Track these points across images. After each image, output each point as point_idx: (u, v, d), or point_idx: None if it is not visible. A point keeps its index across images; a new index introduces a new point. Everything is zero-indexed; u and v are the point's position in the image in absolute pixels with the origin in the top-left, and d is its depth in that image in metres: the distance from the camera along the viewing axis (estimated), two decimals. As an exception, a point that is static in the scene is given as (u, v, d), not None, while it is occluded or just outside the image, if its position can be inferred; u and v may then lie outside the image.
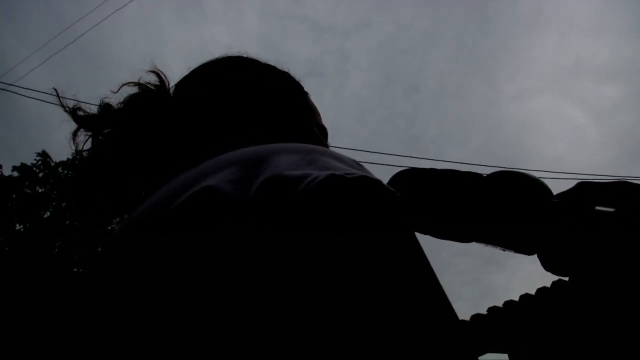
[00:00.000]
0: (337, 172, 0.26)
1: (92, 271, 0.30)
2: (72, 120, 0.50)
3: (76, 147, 0.50)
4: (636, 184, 0.34)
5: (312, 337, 0.21)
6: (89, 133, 0.51)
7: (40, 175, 8.36)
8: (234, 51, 0.57)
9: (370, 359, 0.21)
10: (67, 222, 8.01)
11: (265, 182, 0.26)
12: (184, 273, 0.24)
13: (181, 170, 0.33)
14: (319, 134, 0.55)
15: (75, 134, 0.51)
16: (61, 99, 0.50)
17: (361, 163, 0.33)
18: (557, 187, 0.37)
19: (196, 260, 0.25)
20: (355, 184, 0.26)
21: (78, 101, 0.52)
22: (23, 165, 8.24)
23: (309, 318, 0.22)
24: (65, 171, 8.50)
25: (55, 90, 0.51)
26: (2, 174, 8.17)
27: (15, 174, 8.18)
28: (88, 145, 0.51)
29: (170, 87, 0.54)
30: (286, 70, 0.58)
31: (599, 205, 0.34)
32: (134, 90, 0.52)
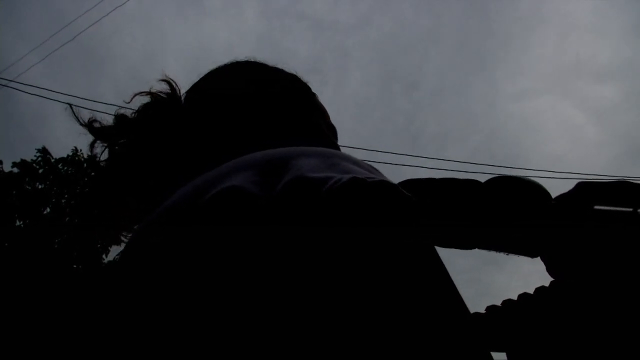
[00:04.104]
0: (358, 176, 0.27)
1: (116, 267, 0.30)
2: (88, 133, 0.52)
3: (95, 156, 0.52)
4: (635, 184, 0.34)
5: (338, 324, 0.22)
6: (105, 144, 0.52)
7: (40, 171, 8.35)
8: (241, 56, 0.58)
9: (389, 348, 0.22)
10: (67, 218, 8.02)
11: (289, 183, 0.27)
12: (208, 267, 0.25)
13: (198, 173, 0.34)
14: (329, 134, 0.56)
15: (92, 145, 0.52)
16: (75, 114, 0.52)
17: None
18: (556, 187, 0.37)
19: (221, 255, 0.25)
20: (375, 188, 0.27)
21: (87, 108, 0.53)
22: (23, 161, 8.24)
23: (334, 309, 0.23)
24: (65, 168, 8.51)
25: (70, 106, 0.52)
26: (3, 170, 8.17)
27: (15, 170, 8.18)
28: (105, 154, 0.52)
29: (182, 94, 0.56)
30: (294, 72, 0.59)
31: (598, 205, 0.35)
32: (146, 99, 0.53)
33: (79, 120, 0.52)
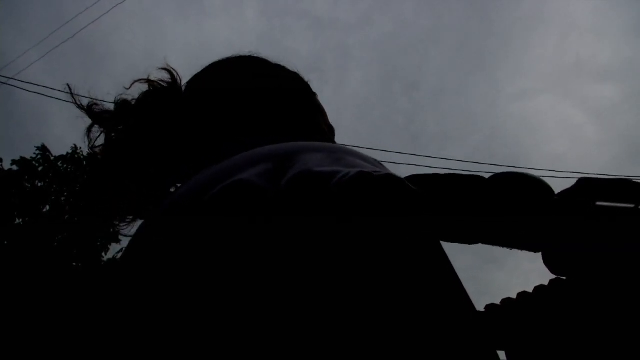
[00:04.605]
0: (365, 170, 0.28)
1: (121, 262, 0.30)
2: (87, 116, 0.51)
3: (90, 142, 0.51)
4: (637, 182, 0.34)
5: (347, 317, 0.23)
6: (103, 129, 0.52)
7: (40, 169, 8.35)
8: (245, 51, 0.58)
9: (395, 340, 0.22)
10: (67, 216, 8.02)
11: (297, 177, 0.28)
12: (216, 261, 0.25)
13: (201, 165, 0.34)
14: (329, 133, 0.56)
15: (90, 130, 0.52)
16: (74, 95, 0.52)
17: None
18: (556, 186, 0.37)
19: (229, 249, 0.25)
20: (382, 181, 0.28)
21: (91, 98, 0.52)
22: (23, 159, 8.24)
23: (342, 303, 0.23)
24: (65, 165, 8.50)
25: (69, 86, 0.52)
26: (2, 168, 8.16)
27: (15, 168, 8.18)
28: (101, 141, 0.52)
29: (182, 84, 0.55)
30: (296, 70, 0.59)
31: (600, 201, 0.35)
32: (145, 87, 0.53)
33: (77, 103, 0.52)
